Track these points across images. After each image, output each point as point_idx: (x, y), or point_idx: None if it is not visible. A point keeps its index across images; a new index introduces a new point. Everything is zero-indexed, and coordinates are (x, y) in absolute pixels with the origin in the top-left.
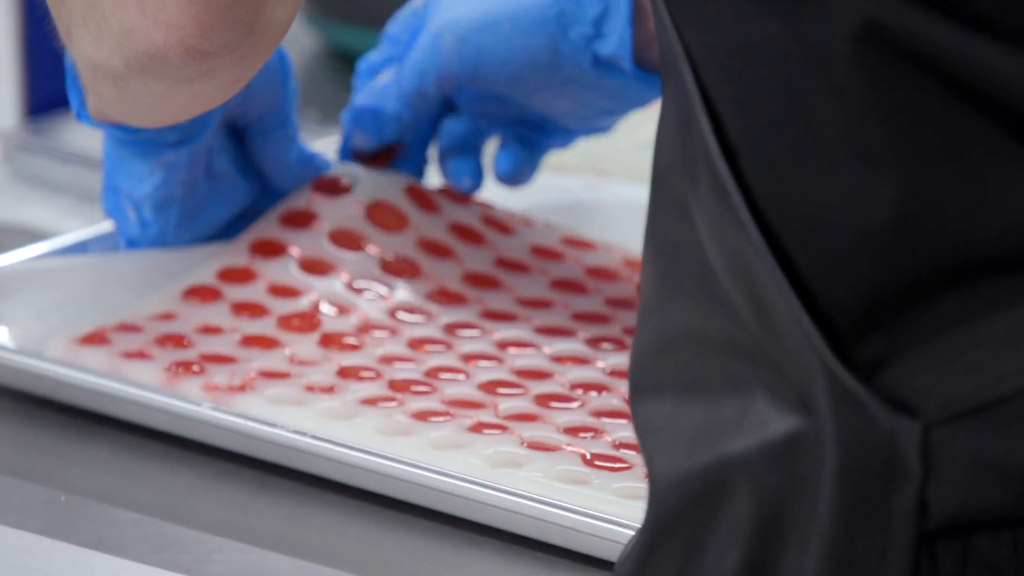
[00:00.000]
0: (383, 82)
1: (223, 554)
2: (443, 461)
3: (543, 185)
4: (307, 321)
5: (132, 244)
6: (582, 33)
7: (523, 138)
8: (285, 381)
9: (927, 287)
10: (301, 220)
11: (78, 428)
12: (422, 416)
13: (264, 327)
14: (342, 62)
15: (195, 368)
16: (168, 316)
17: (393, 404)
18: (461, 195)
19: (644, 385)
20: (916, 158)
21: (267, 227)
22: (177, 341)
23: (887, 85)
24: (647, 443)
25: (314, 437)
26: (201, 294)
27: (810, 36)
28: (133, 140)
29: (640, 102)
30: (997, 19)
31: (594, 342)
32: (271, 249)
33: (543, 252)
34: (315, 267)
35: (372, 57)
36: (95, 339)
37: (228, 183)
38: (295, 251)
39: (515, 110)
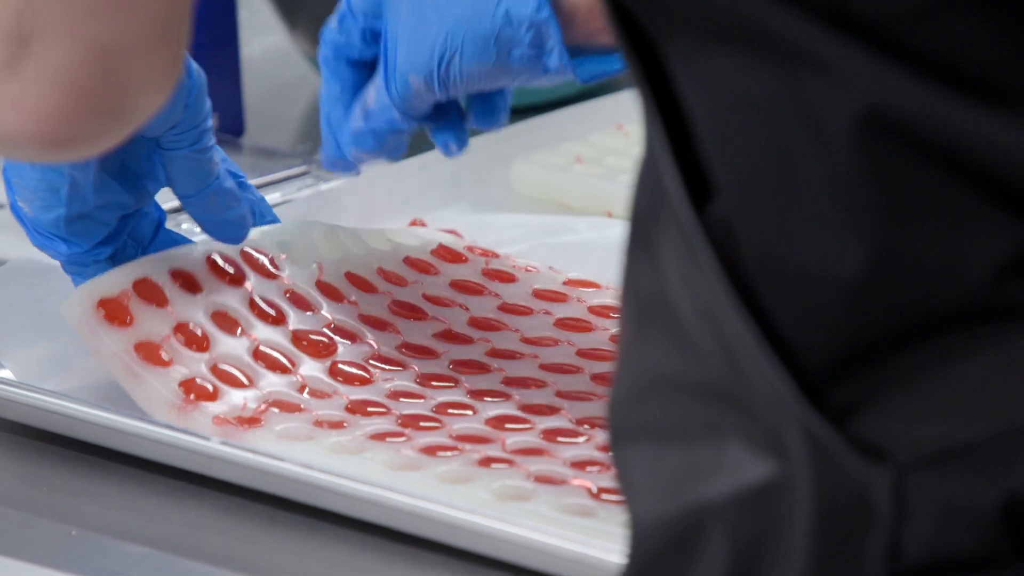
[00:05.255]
0: (376, 102)
1: None
2: (451, 495)
3: (550, 225)
4: (318, 345)
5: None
6: (524, 54)
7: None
8: (295, 416)
9: (901, 336)
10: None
11: (88, 463)
12: (430, 451)
13: (279, 337)
14: None
15: (208, 388)
16: (192, 288)
17: (401, 439)
18: (457, 253)
19: (622, 430)
20: (892, 215)
21: None
22: (194, 340)
23: (877, 152)
24: (626, 487)
25: (323, 471)
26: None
27: (811, 103)
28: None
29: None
30: (981, 81)
31: (599, 378)
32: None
33: (546, 295)
34: (330, 293)
35: (335, 38)
36: (115, 309)
37: (109, 189)
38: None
39: None
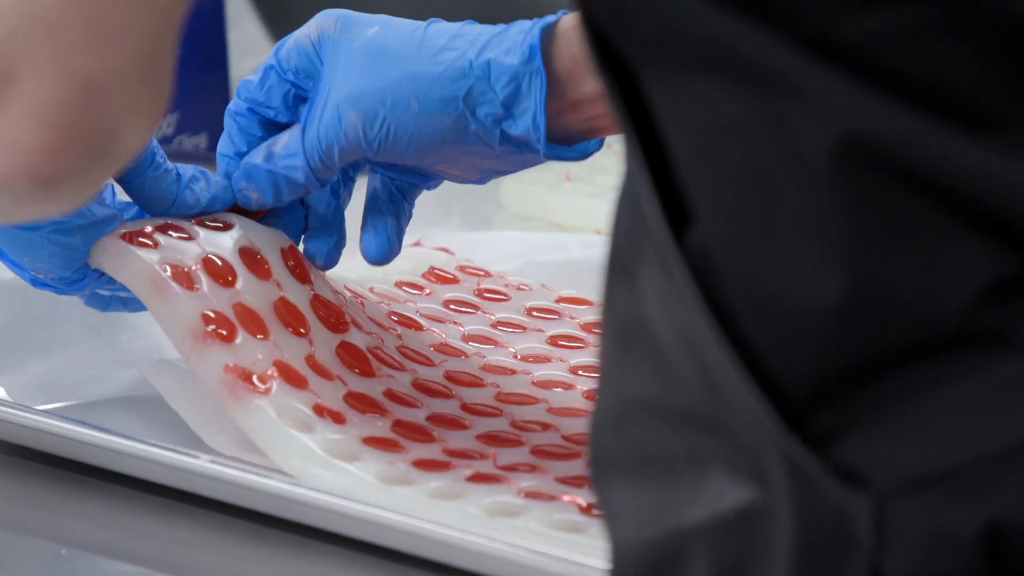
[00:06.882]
0: (285, 146)
1: None
2: (441, 511)
3: (542, 243)
4: (334, 319)
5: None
6: (491, 113)
7: (392, 193)
8: (297, 393)
9: (881, 362)
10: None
11: (77, 481)
12: (422, 465)
13: (301, 295)
14: None
15: (230, 324)
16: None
17: (395, 449)
18: (449, 275)
19: (602, 456)
20: (871, 241)
21: None
22: (219, 274)
23: (855, 181)
24: (607, 512)
25: (310, 488)
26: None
27: (789, 129)
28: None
29: (536, 163)
30: (961, 106)
31: (591, 395)
32: None
33: (539, 312)
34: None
35: (253, 94)
36: (141, 239)
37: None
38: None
39: (403, 171)
